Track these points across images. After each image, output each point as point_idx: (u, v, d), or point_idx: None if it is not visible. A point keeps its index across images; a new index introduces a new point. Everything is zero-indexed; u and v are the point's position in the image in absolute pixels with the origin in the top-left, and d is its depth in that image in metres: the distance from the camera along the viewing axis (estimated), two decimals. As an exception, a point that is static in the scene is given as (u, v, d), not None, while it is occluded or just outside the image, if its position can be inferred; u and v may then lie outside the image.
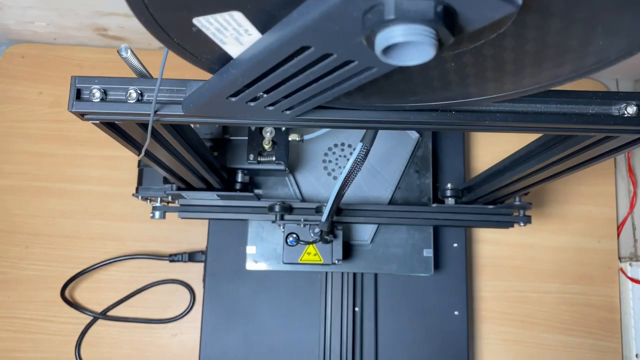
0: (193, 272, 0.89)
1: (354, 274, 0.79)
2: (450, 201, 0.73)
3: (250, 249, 0.77)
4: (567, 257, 0.92)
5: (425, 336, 0.81)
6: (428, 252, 0.78)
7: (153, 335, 0.88)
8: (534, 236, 0.93)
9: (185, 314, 0.88)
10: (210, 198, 0.70)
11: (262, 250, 0.77)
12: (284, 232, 0.72)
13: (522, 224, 0.72)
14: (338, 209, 0.72)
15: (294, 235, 0.71)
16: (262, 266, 0.77)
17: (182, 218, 0.72)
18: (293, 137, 0.69)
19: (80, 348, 0.87)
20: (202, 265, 0.86)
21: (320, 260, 0.71)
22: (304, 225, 0.72)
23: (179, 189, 0.67)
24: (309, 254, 0.71)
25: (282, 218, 0.71)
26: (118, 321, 0.88)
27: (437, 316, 0.81)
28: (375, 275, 0.81)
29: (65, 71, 0.96)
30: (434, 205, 0.73)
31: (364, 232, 0.78)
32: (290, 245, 0.72)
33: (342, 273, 0.79)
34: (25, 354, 0.87)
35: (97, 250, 0.90)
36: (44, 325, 0.88)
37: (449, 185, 0.74)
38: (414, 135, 0.81)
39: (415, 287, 0.82)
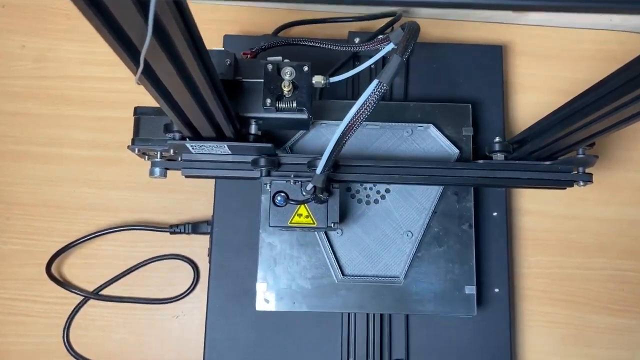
0: (197, 247, 0.78)
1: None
2: (499, 157, 0.62)
3: (261, 287, 0.67)
4: (615, 230, 0.82)
5: (463, 317, 0.71)
6: (470, 289, 0.67)
7: (152, 317, 0.77)
8: (578, 207, 0.82)
9: (188, 293, 0.77)
10: (218, 153, 0.59)
11: (276, 287, 0.67)
12: (270, 191, 0.61)
13: (581, 184, 0.61)
14: (335, 164, 0.61)
15: (283, 194, 0.60)
16: (276, 306, 0.67)
17: (186, 176, 0.61)
18: (317, 79, 0.58)
19: (69, 332, 0.76)
20: (207, 238, 0.75)
21: (314, 223, 0.61)
22: (295, 182, 0.61)
23: (182, 138, 0.56)
24: (299, 215, 0.61)
25: (268, 174, 0.60)
26: (112, 301, 0.77)
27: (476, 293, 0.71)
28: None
29: (51, 22, 0.84)
30: (481, 161, 0.62)
31: (395, 267, 0.67)
32: (278, 206, 0.61)
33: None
34: (5, 339, 0.76)
35: (88, 222, 0.79)
36: (27, 306, 0.77)
37: (497, 139, 0.63)
38: (453, 150, 0.69)
39: (451, 261, 0.71)
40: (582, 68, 0.86)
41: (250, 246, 0.71)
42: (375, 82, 0.44)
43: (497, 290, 0.73)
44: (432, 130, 0.70)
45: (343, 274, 0.67)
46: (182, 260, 0.78)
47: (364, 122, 0.65)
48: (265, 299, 0.66)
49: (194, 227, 0.75)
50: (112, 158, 0.81)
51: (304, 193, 0.60)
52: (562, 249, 0.81)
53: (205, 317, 0.71)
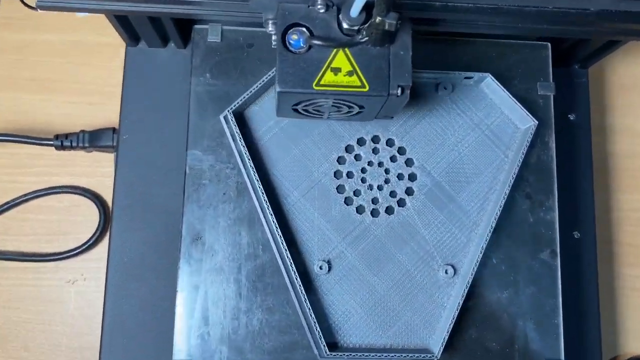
0: (106, 175, 0.50)
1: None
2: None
3: (179, 355, 0.36)
4: None
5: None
6: None
7: (34, 283, 0.49)
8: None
9: (91, 246, 0.49)
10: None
11: (206, 356, 0.36)
12: (276, 27, 0.30)
13: None
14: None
15: (302, 30, 0.30)
16: None
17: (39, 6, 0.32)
18: None
19: None
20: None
21: (364, 87, 0.30)
22: (326, 7, 0.30)
23: None
24: (336, 71, 0.30)
25: None
26: (-30, 258, 0.49)
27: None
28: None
29: None
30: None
31: (425, 331, 0.37)
32: (292, 52, 0.30)
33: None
34: None
35: None
36: None
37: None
38: (525, 123, 0.39)
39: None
40: None
41: (180, 168, 0.42)
42: None
43: (576, 234, 0.45)
44: (490, 84, 0.40)
45: (330, 346, 0.36)
46: (81, 194, 0.49)
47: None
48: None
49: (93, 138, 0.47)
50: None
51: (346, 24, 0.30)
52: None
53: (106, 278, 0.43)
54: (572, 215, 0.45)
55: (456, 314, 0.36)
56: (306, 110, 0.34)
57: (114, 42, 0.49)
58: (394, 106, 0.33)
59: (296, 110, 0.34)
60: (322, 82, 0.30)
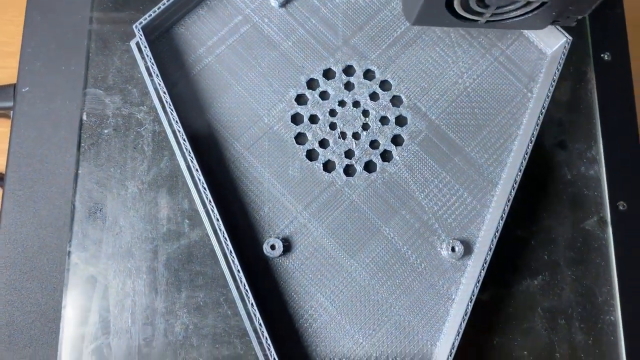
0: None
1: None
2: None
3: None
4: None
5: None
6: None
7: None
8: None
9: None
10: None
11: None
12: None
13: None
14: None
15: None
16: None
17: None
18: None
19: None
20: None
21: None
22: None
23: None
24: None
25: None
26: None
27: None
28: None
29: None
30: None
31: (424, 338, 0.25)
32: None
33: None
34: None
35: None
36: None
37: None
38: (554, 44, 0.29)
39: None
40: None
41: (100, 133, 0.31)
42: None
43: (622, 205, 0.34)
44: None
45: None
46: (-18, 175, 0.38)
47: None
48: None
49: (-13, 99, 0.36)
50: None
51: None
52: None
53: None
54: (615, 182, 0.34)
55: (469, 309, 0.25)
56: (465, 6, 0.23)
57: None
58: None
59: (449, 8, 0.24)
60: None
